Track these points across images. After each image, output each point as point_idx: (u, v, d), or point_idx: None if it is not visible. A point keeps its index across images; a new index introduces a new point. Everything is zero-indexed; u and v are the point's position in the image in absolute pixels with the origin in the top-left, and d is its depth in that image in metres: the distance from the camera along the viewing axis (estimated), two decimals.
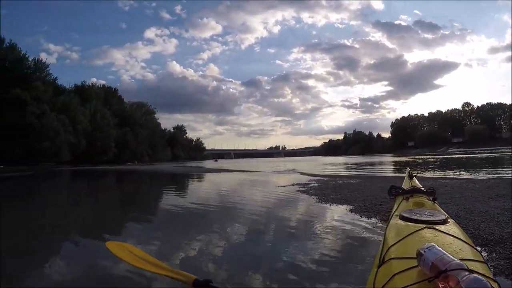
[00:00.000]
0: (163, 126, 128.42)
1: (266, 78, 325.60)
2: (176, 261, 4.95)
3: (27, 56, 73.20)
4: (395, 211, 3.59)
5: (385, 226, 3.37)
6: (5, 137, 61.05)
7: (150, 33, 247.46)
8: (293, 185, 15.51)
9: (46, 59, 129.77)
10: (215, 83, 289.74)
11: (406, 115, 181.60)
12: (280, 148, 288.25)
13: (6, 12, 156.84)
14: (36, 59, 76.73)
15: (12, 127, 61.05)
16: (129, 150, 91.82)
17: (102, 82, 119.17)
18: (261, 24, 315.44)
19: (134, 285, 4.15)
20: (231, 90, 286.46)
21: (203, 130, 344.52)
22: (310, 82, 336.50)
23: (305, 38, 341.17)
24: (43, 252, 6.54)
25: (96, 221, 10.15)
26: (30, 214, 11.93)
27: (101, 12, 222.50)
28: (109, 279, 4.43)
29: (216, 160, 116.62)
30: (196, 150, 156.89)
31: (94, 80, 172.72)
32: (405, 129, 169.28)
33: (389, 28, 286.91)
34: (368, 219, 6.96)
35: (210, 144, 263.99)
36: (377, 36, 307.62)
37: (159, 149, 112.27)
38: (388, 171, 28.51)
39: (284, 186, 15.39)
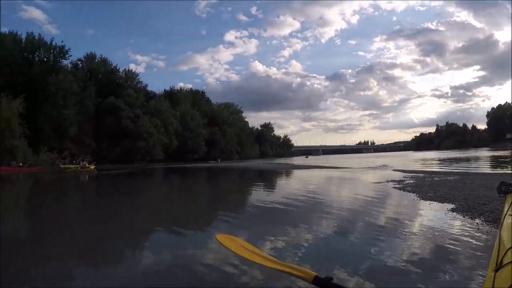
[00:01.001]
0: (250, 125, 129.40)
1: (350, 71, 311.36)
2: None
3: (118, 68, 79.62)
4: (507, 211, 3.13)
5: (497, 227, 3.28)
6: (104, 139, 66.36)
7: (230, 36, 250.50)
8: (387, 181, 15.07)
9: (136, 69, 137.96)
10: (298, 79, 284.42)
11: (502, 102, 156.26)
12: (369, 144, 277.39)
13: (93, 32, 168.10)
14: (127, 69, 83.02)
15: (110, 130, 66.61)
16: (218, 148, 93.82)
17: (189, 86, 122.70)
18: (339, 16, 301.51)
19: (244, 278, 4.14)
20: (315, 85, 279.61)
21: (290, 127, 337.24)
22: (396, 72, 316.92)
23: (386, 26, 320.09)
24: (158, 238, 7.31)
25: (191, 214, 10.82)
26: (135, 206, 13.51)
27: (181, 22, 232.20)
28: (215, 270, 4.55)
29: (307, 157, 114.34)
30: (284, 147, 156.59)
31: (181, 84, 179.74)
32: (503, 118, 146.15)
33: (474, 5, 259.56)
34: (472, 219, 6.41)
35: (297, 140, 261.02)
36: (462, 15, 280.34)
37: (247, 147, 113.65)
38: (486, 167, 26.79)
39: (378, 182, 15.02)
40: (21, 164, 44.24)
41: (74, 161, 53.20)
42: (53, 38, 70.15)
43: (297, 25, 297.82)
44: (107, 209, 12.99)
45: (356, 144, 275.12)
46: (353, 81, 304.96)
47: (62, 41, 73.33)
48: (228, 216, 9.23)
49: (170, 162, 71.19)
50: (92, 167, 40.71)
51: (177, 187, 25.00)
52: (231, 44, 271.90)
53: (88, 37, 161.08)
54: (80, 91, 63.00)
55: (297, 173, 30.44)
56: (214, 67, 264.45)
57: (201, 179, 32.26)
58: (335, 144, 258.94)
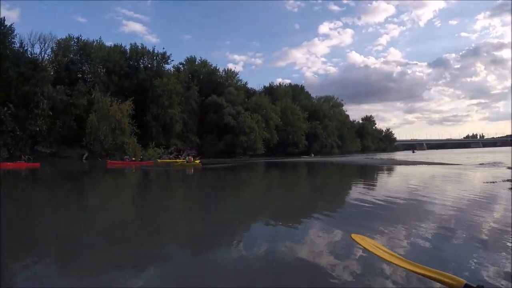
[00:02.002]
0: (351, 118, 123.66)
1: (453, 55, 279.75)
2: None
3: (217, 68, 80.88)
4: None
5: None
6: (207, 135, 67.85)
7: (324, 28, 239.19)
8: (503, 181, 13.98)
9: (235, 68, 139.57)
10: (399, 68, 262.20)
11: None
12: (478, 137, 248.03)
13: (190, 37, 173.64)
14: (226, 69, 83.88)
15: (212, 127, 68.16)
16: (319, 142, 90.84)
17: (288, 81, 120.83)
18: None
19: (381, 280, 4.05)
20: (417, 73, 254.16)
21: (392, 119, 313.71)
22: (505, 53, 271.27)
23: (488, 0, 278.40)
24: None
25: (292, 208, 11.00)
26: (238, 198, 14.11)
27: (274, 19, 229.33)
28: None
29: (413, 151, 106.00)
30: (386, 141, 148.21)
31: (280, 80, 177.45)
32: None
33: None
34: None
35: (400, 134, 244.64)
36: None
37: (348, 141, 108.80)
38: None
39: (492, 182, 13.88)
40: (133, 158, 46.64)
41: (180, 156, 55.97)
42: (154, 46, 77.46)
43: (392, 9, 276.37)
44: (212, 200, 13.68)
45: (463, 137, 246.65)
46: (458, 66, 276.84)
47: (163, 48, 77.93)
48: (330, 212, 9.23)
49: (271, 156, 70.99)
50: (198, 161, 40.95)
51: (277, 181, 25.08)
52: (326, 36, 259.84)
53: (186, 43, 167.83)
54: (184, 91, 64.76)
55: (401, 169, 28.77)
56: (311, 60, 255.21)
57: (301, 174, 31.92)
58: (440, 138, 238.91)
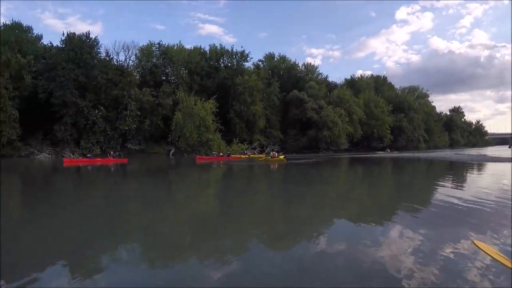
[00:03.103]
0: (438, 109, 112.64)
1: None
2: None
3: (297, 63, 77.55)
4: None
5: None
6: (290, 130, 65.48)
7: (401, 13, 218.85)
8: None
9: (314, 61, 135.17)
10: (486, 51, 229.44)
11: None
12: None
13: (266, 34, 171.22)
14: (305, 63, 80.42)
15: (295, 122, 65.68)
16: (404, 136, 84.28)
17: (369, 72, 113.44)
18: None
19: None
20: (506, 57, 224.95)
21: (481, 110, 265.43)
22: None
23: None
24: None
25: (375, 205, 10.80)
26: (320, 193, 14.28)
27: (348, 9, 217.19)
28: None
29: (510, 146, 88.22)
30: (476, 134, 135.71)
31: (360, 71, 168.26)
32: None
33: None
34: None
35: (491, 126, 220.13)
36: None
37: (436, 134, 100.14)
38: None
39: None
40: (221, 154, 45.90)
41: (264, 151, 54.57)
42: (233, 45, 76.27)
43: None
44: (294, 195, 13.85)
45: None
46: None
47: (241, 47, 77.05)
48: (415, 211, 9.10)
49: (354, 152, 67.40)
50: (282, 156, 39.09)
51: (360, 177, 24.39)
52: (404, 22, 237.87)
53: (262, 40, 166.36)
54: (265, 87, 63.06)
55: (500, 167, 26.45)
56: (391, 49, 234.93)
57: (386, 170, 30.61)
58: None
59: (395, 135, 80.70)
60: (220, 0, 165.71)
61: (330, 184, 19.05)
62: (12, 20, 53.13)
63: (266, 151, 56.56)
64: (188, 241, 8.04)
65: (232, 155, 46.07)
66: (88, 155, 38.83)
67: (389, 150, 72.86)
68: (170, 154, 50.87)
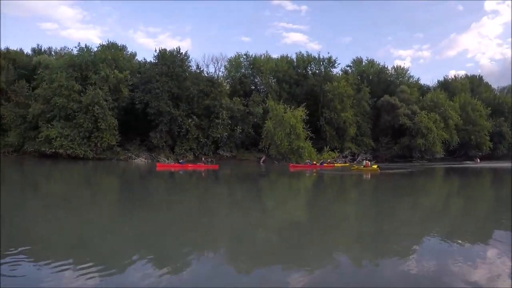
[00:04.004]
0: None
1: None
2: None
3: (386, 66, 73.07)
4: None
5: None
6: (382, 137, 61.76)
7: (490, 3, 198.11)
8: None
9: (403, 64, 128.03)
10: None
11: None
12: None
13: (351, 39, 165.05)
14: (395, 66, 75.35)
15: (387, 129, 61.74)
16: (505, 143, 75.62)
17: (462, 72, 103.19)
18: None
19: None
20: None
21: None
22: None
23: None
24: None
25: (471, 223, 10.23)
26: (412, 206, 13.72)
27: (432, 4, 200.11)
28: None
29: None
30: None
31: (453, 72, 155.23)
32: None
33: None
34: None
35: None
36: None
37: None
38: None
39: None
40: (314, 162, 45.01)
41: (355, 160, 52.66)
42: (319, 52, 73.39)
43: None
44: (384, 207, 13.70)
45: None
46: None
47: (328, 53, 74.81)
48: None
49: (450, 161, 61.11)
50: (375, 166, 37.35)
51: (456, 190, 23.09)
52: (495, 13, 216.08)
53: (347, 45, 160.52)
54: (355, 93, 60.08)
55: None
56: (483, 44, 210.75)
57: (484, 183, 28.61)
58: None
59: (494, 142, 72.26)
60: (301, 8, 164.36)
61: (423, 197, 18.46)
62: (108, 41, 56.86)
63: (357, 160, 53.88)
64: (273, 247, 8.24)
65: (325, 164, 44.68)
66: (180, 161, 40.36)
67: (479, 160, 62.75)
68: (261, 161, 50.54)
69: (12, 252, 7.96)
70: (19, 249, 8.21)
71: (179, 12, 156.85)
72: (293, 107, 51.21)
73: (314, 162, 44.56)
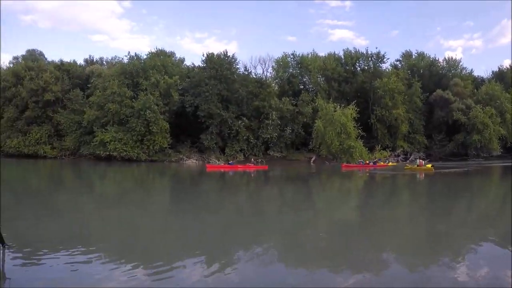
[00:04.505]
0: None
1: None
2: None
3: (437, 58, 69.57)
4: None
5: None
6: (435, 135, 59.10)
7: None
8: None
9: (455, 55, 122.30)
10: None
11: None
12: None
13: (398, 32, 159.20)
14: (446, 58, 71.53)
15: (440, 125, 59.12)
16: None
17: None
18: None
19: None
20: None
21: None
22: None
23: None
24: None
25: None
26: (467, 209, 13.37)
27: None
28: None
29: None
30: None
31: (508, 61, 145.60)
32: None
33: None
34: None
35: None
36: None
37: None
38: None
39: None
40: (367, 161, 44.73)
41: (407, 159, 51.74)
42: (367, 48, 72.14)
43: None
44: (438, 209, 13.10)
45: None
46: None
47: (376, 48, 73.07)
48: None
49: (508, 159, 56.73)
50: (429, 165, 36.31)
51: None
52: None
53: (395, 38, 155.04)
54: (406, 89, 57.96)
55: None
56: None
57: None
58: None
59: None
60: (345, 4, 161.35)
61: (479, 198, 18.10)
62: (156, 48, 58.39)
63: (410, 159, 52.34)
64: (322, 248, 8.26)
65: (378, 163, 43.74)
66: (230, 162, 41.60)
67: None
68: (311, 161, 50.27)
69: (67, 248, 8.47)
70: (74, 245, 8.75)
71: (224, 17, 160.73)
72: (342, 105, 50.68)
73: (367, 162, 43.87)
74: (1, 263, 6.97)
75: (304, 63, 58.69)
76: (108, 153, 45.96)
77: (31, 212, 13.85)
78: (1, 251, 7.55)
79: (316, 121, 49.02)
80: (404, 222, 11.30)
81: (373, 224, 10.58)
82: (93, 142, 47.23)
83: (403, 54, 69.24)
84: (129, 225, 11.69)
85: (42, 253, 8.12)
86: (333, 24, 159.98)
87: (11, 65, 61.59)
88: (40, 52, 68.12)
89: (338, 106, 49.76)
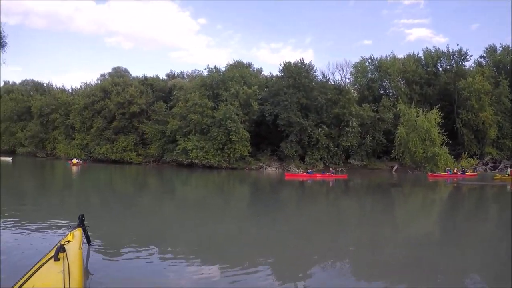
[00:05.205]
0: None
1: None
2: None
3: None
4: None
5: None
6: None
7: None
8: None
9: None
10: None
11: None
12: None
13: (478, 25, 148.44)
14: None
15: None
16: None
17: None
18: None
19: None
20: None
21: None
22: None
23: None
24: None
25: None
26: None
27: None
28: None
29: None
30: None
31: None
32: None
33: None
34: None
35: None
36: None
37: None
38: None
39: None
40: (455, 170, 42.97)
41: (497, 168, 48.82)
42: (447, 45, 67.37)
43: None
44: None
45: None
46: None
47: (457, 45, 68.94)
48: None
49: None
50: None
51: None
52: None
53: (476, 32, 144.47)
54: (492, 88, 54.14)
55: None
56: None
57: None
58: None
59: None
60: (419, 1, 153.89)
61: None
62: (234, 60, 60.84)
63: (499, 168, 49.58)
64: (400, 263, 8.01)
65: (467, 172, 42.09)
66: (309, 171, 41.66)
67: None
68: (393, 170, 49.18)
69: (146, 247, 9.26)
70: (154, 245, 9.58)
71: (298, 26, 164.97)
72: (425, 109, 48.66)
73: (455, 171, 42.16)
74: (85, 260, 7.46)
75: (383, 67, 57.06)
76: (190, 160, 48.24)
77: (116, 212, 15.37)
78: (87, 249, 8.32)
79: (398, 127, 47.46)
80: (490, 240, 10.78)
81: (456, 242, 10.15)
82: (176, 150, 49.73)
83: (487, 49, 64.29)
84: (206, 228, 12.38)
85: (123, 251, 8.96)
86: (409, 24, 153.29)
87: (99, 82, 67.15)
88: (125, 69, 72.79)
89: (421, 111, 47.82)
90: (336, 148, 50.23)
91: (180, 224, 13.21)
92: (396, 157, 47.96)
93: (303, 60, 53.51)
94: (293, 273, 7.36)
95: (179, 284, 6.89)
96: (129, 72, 71.97)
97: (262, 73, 63.32)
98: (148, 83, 60.90)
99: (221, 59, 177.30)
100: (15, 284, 4.42)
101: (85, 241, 8.02)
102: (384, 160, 52.16)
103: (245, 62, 60.91)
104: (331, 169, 43.21)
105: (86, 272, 6.77)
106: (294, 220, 14.21)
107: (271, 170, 48.29)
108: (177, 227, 12.73)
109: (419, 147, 45.72)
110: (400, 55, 61.79)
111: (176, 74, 71.57)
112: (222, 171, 45.43)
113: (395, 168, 49.37)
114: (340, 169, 46.15)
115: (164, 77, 69.06)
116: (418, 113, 47.36)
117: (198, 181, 35.54)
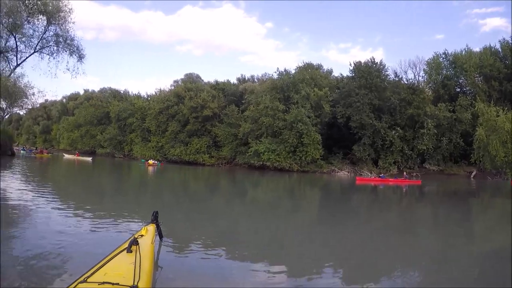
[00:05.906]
0: None
1: None
2: None
3: None
4: None
5: None
6: None
7: None
8: None
9: None
10: None
11: None
12: None
13: None
14: None
15: None
16: None
17: None
18: None
19: None
20: None
21: None
22: None
23: None
24: None
25: None
26: None
27: None
28: None
29: None
30: None
31: None
32: None
33: None
34: None
35: None
36: None
37: None
38: None
39: None
40: None
41: None
42: None
43: None
44: None
45: None
46: None
47: None
48: None
49: None
50: None
51: None
52: None
53: None
54: None
55: None
56: None
57: None
58: None
59: None
60: None
61: None
62: (303, 62, 60.68)
63: None
64: (472, 279, 7.77)
65: None
66: (381, 175, 41.05)
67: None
68: (471, 176, 47.23)
69: (214, 245, 9.71)
70: (222, 243, 9.99)
71: (366, 24, 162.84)
72: (506, 108, 45.79)
73: None
74: (156, 254, 7.73)
75: (458, 62, 54.38)
76: (261, 163, 49.20)
77: (188, 211, 15.93)
78: (159, 244, 8.66)
79: (477, 128, 45.30)
80: None
81: None
82: (248, 153, 51.01)
83: None
84: (274, 230, 12.73)
85: (192, 248, 9.41)
86: (483, 13, 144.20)
87: (172, 87, 70.67)
88: (197, 75, 76.15)
89: (501, 110, 45.42)
90: (411, 152, 49.11)
91: (250, 226, 13.52)
92: (476, 161, 45.78)
93: (374, 59, 52.74)
94: (356, 280, 7.55)
95: (246, 284, 7.07)
96: (200, 78, 75.09)
97: (333, 74, 63.07)
98: (219, 87, 63.06)
99: (290, 62, 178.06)
100: (89, 269, 4.78)
101: (158, 236, 8.48)
102: (462, 165, 50.13)
103: (314, 64, 61.04)
104: (405, 173, 42.09)
105: (156, 265, 7.14)
106: (364, 226, 14.31)
107: (343, 174, 48.15)
108: (247, 229, 13.03)
109: (500, 150, 43.53)
110: (476, 49, 58.98)
111: (246, 78, 73.15)
112: (293, 174, 45.74)
113: (473, 173, 47.30)
114: (414, 174, 45.02)
115: (235, 81, 71.05)
116: (498, 112, 45.15)
117: (269, 183, 36.08)
